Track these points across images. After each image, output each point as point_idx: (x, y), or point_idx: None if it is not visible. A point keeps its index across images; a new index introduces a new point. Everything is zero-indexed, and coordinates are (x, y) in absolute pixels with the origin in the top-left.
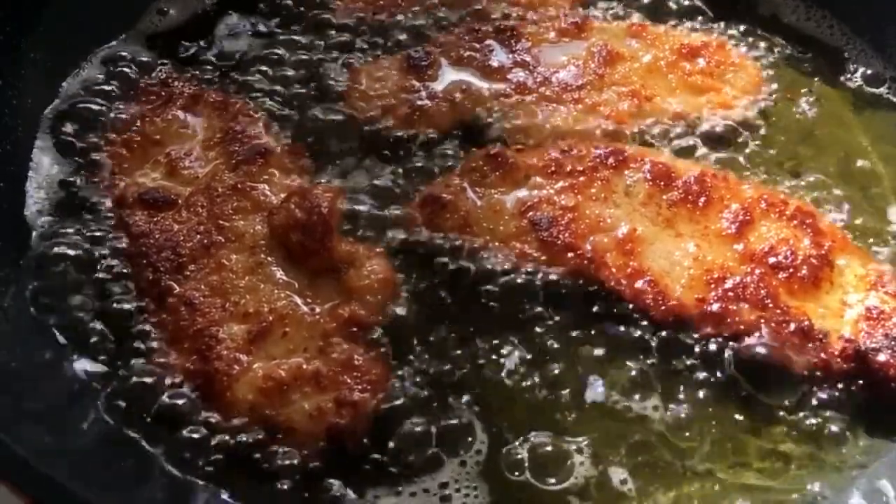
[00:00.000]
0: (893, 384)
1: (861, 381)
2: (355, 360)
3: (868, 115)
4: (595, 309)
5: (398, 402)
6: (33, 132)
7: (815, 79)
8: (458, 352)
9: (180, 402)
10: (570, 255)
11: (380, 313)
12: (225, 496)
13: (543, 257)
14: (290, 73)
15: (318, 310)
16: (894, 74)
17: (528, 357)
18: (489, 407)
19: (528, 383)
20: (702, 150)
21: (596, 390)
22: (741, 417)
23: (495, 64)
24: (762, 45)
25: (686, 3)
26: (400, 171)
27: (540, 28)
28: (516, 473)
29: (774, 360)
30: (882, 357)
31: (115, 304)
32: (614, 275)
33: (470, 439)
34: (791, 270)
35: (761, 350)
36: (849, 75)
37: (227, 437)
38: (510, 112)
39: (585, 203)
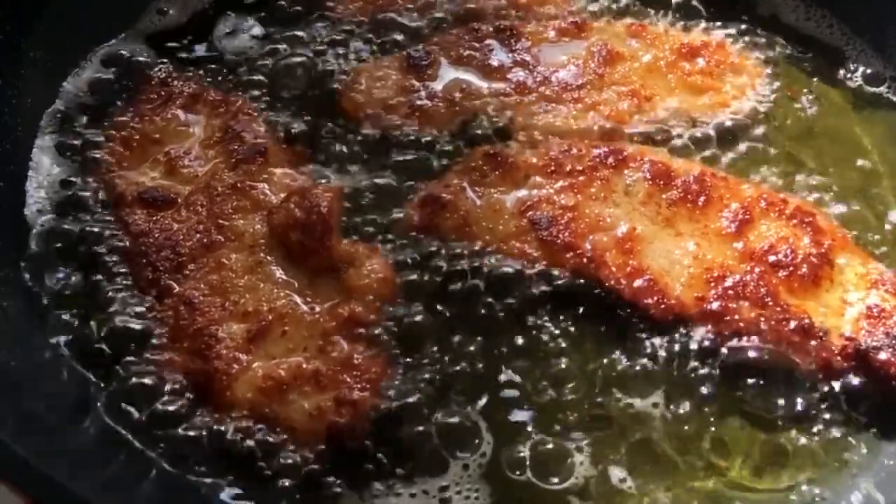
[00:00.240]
0: (894, 382)
1: (861, 380)
2: (355, 359)
3: (868, 115)
4: (595, 308)
5: (398, 402)
6: (33, 132)
7: (815, 78)
8: (458, 351)
9: (180, 401)
10: (569, 254)
11: (379, 313)
12: (225, 496)
13: (543, 257)
14: (290, 72)
15: (317, 309)
16: (894, 74)
17: (529, 356)
18: (490, 406)
19: (529, 382)
20: (701, 150)
21: (596, 389)
22: (741, 416)
23: (495, 63)
24: (762, 44)
25: (686, 2)
26: (399, 170)
27: (540, 27)
28: (517, 473)
29: (774, 358)
30: (883, 355)
31: (114, 304)
32: (614, 274)
33: (471, 439)
34: (791, 269)
35: (761, 349)
36: (849, 75)
37: (226, 437)
38: (510, 111)
39: (585, 202)
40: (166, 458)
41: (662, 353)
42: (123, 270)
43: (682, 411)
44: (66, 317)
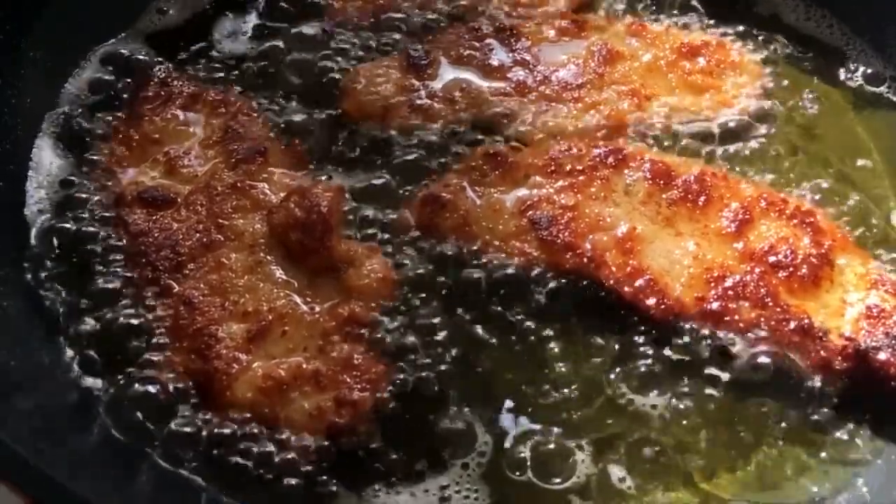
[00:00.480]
0: (894, 383)
1: (861, 380)
2: (355, 359)
3: (868, 115)
4: (595, 308)
5: (398, 402)
6: (33, 131)
7: (816, 78)
8: (458, 351)
9: (179, 401)
10: (569, 254)
11: (379, 312)
12: (224, 496)
13: (543, 256)
14: (290, 71)
15: (317, 309)
16: (894, 74)
17: (529, 356)
18: (490, 406)
19: (529, 382)
20: (702, 149)
21: (596, 389)
22: (741, 416)
23: (495, 63)
24: (762, 44)
25: (686, 2)
26: (399, 170)
27: (540, 27)
28: (517, 473)
29: (774, 359)
30: (882, 356)
31: (114, 304)
32: (614, 273)
33: (471, 439)
34: (791, 269)
35: (761, 349)
36: (849, 75)
37: (226, 437)
38: (510, 111)
39: (585, 202)
40: (166, 457)
41: (662, 353)
42: (123, 270)
43: (681, 411)
44: (66, 317)
